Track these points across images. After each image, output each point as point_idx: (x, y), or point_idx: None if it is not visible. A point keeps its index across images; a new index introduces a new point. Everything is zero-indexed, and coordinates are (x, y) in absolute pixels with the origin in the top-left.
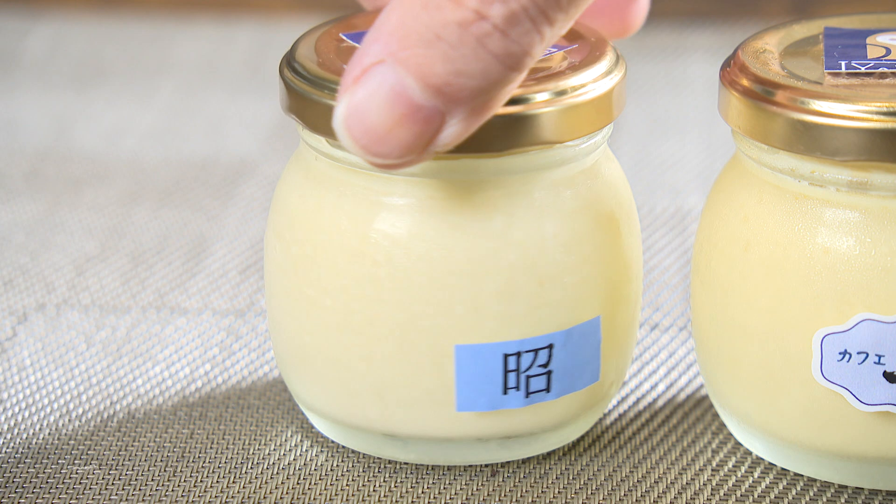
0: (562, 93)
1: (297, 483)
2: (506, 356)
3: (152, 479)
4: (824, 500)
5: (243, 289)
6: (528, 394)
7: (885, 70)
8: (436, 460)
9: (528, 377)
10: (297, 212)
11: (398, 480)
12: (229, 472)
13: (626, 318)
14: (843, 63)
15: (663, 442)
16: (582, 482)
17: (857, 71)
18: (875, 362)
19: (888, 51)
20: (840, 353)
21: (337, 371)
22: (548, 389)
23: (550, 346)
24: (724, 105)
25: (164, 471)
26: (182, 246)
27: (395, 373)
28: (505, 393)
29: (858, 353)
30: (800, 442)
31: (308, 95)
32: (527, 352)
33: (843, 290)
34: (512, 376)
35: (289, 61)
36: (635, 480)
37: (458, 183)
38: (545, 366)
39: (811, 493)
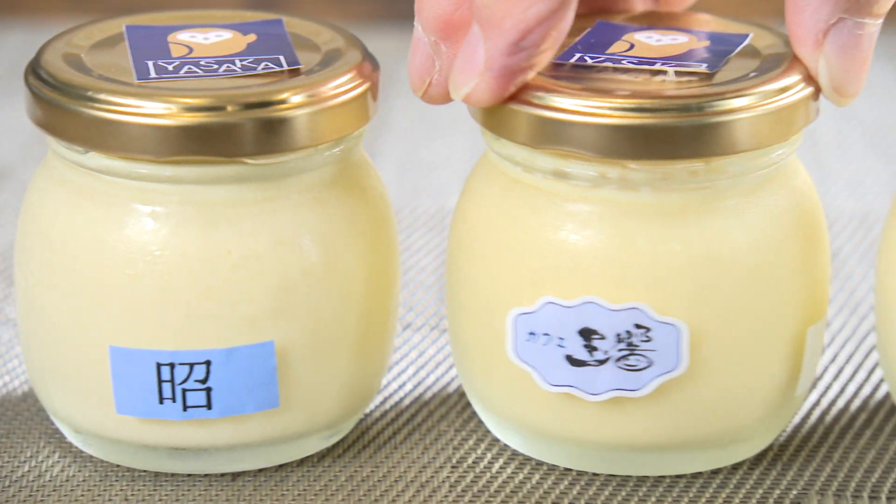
0: (313, 95)
1: (30, 494)
2: (158, 365)
3: None
4: (563, 486)
5: None
6: (185, 407)
7: (609, 64)
8: (120, 460)
9: (185, 390)
10: (45, 220)
11: (135, 489)
12: None
13: (340, 344)
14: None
15: (406, 441)
16: (322, 485)
17: (584, 63)
18: (557, 345)
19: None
20: (529, 334)
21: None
22: (209, 406)
23: (208, 363)
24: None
25: None
26: None
27: (67, 366)
28: (161, 403)
29: (544, 334)
30: (517, 422)
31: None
32: (181, 364)
33: (533, 273)
34: (167, 387)
35: (34, 69)
36: (375, 480)
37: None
38: (203, 381)
39: (550, 481)
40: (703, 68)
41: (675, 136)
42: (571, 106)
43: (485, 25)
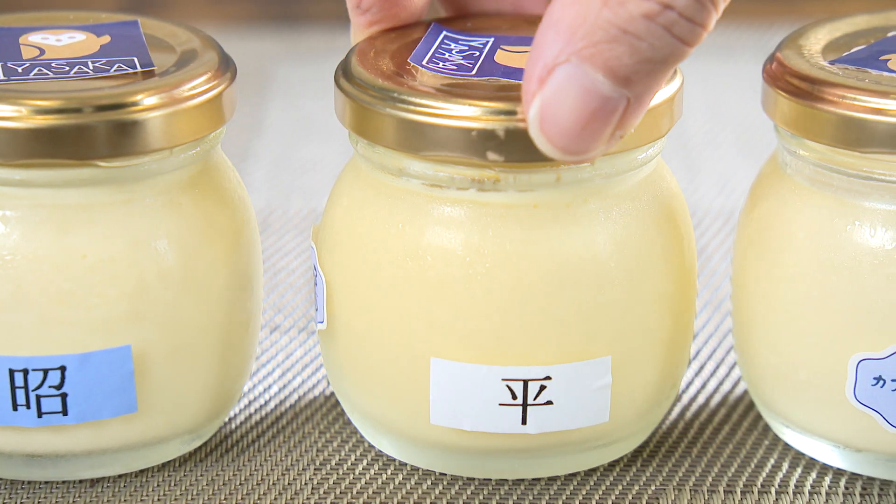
0: (167, 97)
1: None
2: (12, 371)
3: None
4: (425, 487)
5: None
6: (40, 414)
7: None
8: None
9: (39, 397)
10: None
11: None
12: None
13: (200, 348)
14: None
15: (270, 443)
16: (182, 489)
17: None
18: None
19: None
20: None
21: None
22: (64, 412)
23: (63, 368)
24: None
25: None
26: None
27: None
28: (15, 409)
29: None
30: (382, 424)
31: None
32: (35, 370)
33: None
34: (20, 393)
35: None
36: (238, 483)
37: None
38: (58, 387)
39: (413, 481)
40: None
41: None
42: (458, 112)
43: None
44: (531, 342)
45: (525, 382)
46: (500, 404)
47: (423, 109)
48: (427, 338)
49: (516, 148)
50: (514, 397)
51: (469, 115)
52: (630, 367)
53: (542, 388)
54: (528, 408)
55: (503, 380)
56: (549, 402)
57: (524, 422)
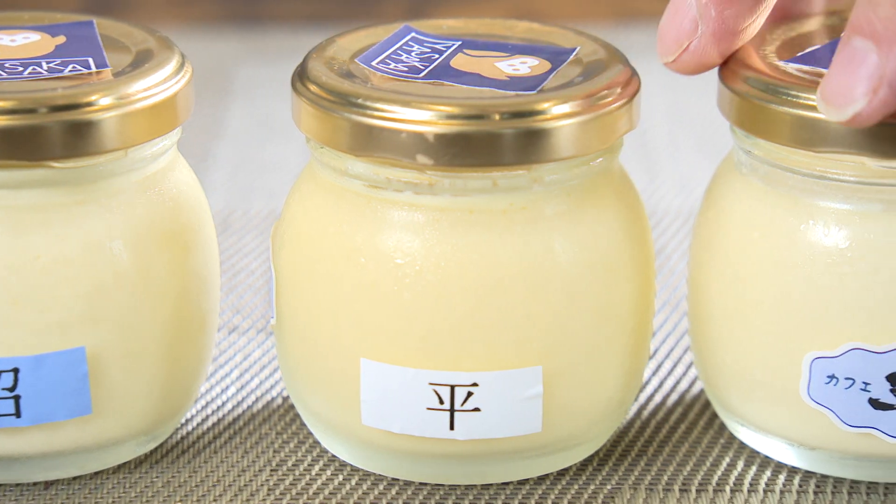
0: (122, 98)
1: None
2: None
3: None
4: (380, 489)
5: None
6: None
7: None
8: None
9: None
10: None
11: None
12: None
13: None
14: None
15: (226, 445)
16: (137, 491)
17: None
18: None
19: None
20: None
21: None
22: (17, 415)
23: (16, 370)
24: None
25: None
26: None
27: None
28: None
29: None
30: (338, 430)
31: None
32: None
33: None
34: None
35: None
36: (193, 485)
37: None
38: (11, 389)
39: (368, 483)
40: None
41: (497, 144)
42: (388, 114)
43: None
44: (458, 347)
45: (452, 388)
46: (428, 408)
47: (359, 111)
48: (358, 338)
49: (446, 152)
50: (441, 402)
51: (400, 117)
52: (566, 379)
53: (470, 394)
54: (455, 413)
55: (430, 384)
56: (477, 409)
57: (452, 427)
